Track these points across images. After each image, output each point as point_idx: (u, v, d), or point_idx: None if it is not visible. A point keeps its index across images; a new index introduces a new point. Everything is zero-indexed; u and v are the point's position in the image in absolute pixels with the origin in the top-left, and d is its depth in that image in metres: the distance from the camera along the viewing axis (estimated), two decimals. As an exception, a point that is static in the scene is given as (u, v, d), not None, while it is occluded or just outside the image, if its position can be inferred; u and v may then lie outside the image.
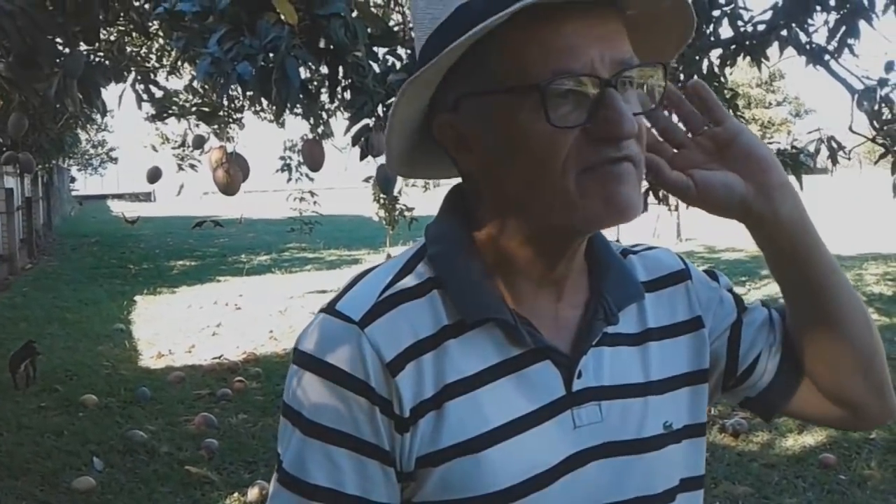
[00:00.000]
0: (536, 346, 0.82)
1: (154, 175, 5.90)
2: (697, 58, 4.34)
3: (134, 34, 4.75)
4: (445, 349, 0.80)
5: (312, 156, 3.58)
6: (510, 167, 0.78)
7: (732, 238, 14.65)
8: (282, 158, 7.86)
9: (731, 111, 5.15)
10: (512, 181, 0.79)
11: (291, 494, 0.80)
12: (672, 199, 6.32)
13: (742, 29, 4.41)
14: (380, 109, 3.22)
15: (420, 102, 0.82)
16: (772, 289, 9.96)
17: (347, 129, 3.17)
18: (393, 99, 3.04)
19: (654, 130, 0.85)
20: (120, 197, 35.76)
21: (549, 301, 0.85)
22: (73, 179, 31.06)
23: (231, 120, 6.22)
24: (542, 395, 0.82)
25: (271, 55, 2.71)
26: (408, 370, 0.78)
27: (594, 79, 0.73)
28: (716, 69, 4.75)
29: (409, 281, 0.83)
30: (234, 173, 3.33)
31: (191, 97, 5.98)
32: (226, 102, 5.61)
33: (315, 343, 0.81)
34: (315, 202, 8.43)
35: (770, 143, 4.89)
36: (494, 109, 0.77)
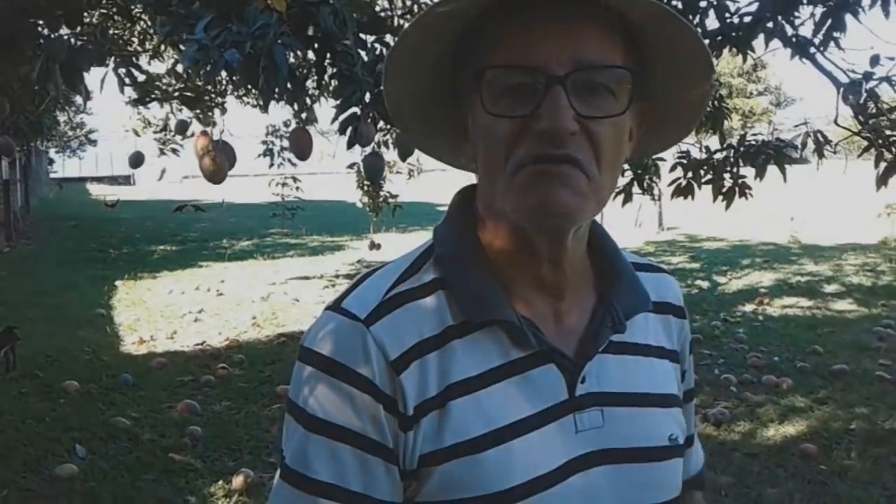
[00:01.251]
0: (541, 349, 0.83)
1: (136, 160, 5.84)
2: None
3: (117, 17, 4.68)
4: (450, 349, 0.81)
5: (300, 145, 3.55)
6: (478, 153, 0.82)
7: (714, 227, 14.76)
8: (264, 143, 7.80)
9: (715, 101, 5.19)
10: (480, 170, 0.83)
11: (293, 489, 0.80)
12: (655, 189, 6.35)
13: (728, 21, 4.42)
14: (367, 98, 3.20)
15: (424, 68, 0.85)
16: (752, 278, 10.05)
17: (335, 118, 3.15)
18: (381, 88, 3.04)
19: None
20: (99, 180, 35.38)
21: (550, 305, 0.86)
22: (51, 162, 30.70)
23: (214, 105, 6.16)
24: (545, 398, 0.82)
25: (259, 42, 2.68)
26: (412, 368, 0.79)
27: (541, 74, 0.75)
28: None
29: (415, 281, 0.84)
30: (220, 161, 3.30)
31: (173, 81, 5.91)
32: (210, 87, 5.56)
33: (320, 340, 0.81)
34: (297, 187, 8.39)
35: (752, 135, 4.91)
36: (470, 97, 0.81)
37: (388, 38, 3.39)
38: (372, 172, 3.70)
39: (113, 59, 4.84)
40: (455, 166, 0.97)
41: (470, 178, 0.95)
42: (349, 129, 3.27)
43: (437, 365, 0.80)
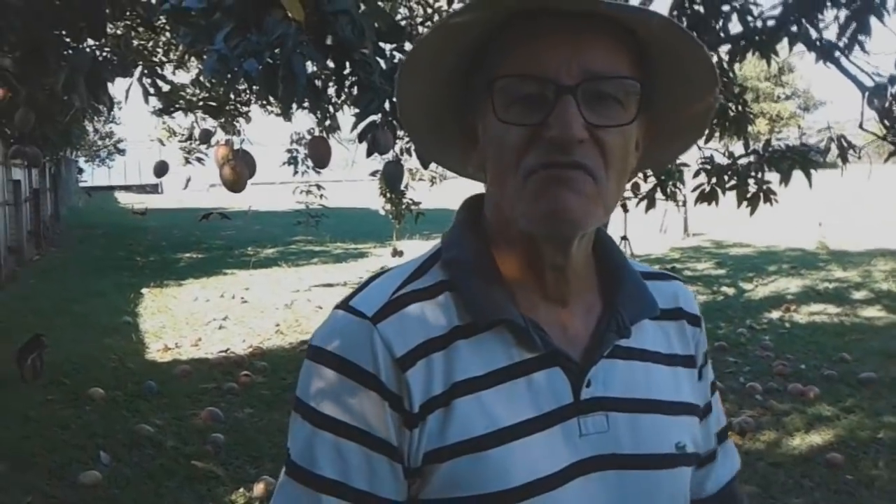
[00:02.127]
0: (546, 352, 0.83)
1: (161, 169, 5.90)
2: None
3: (140, 29, 4.74)
4: (456, 349, 0.82)
5: (318, 153, 3.57)
6: (488, 160, 0.83)
7: (740, 233, 14.62)
8: (288, 151, 7.85)
9: (739, 105, 5.15)
10: (490, 177, 0.84)
11: (298, 485, 0.81)
12: (679, 195, 6.30)
13: (751, 24, 4.38)
14: (386, 106, 3.20)
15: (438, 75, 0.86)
16: (779, 285, 9.93)
17: (354, 126, 3.16)
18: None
19: None
20: (127, 188, 35.77)
21: (555, 311, 0.87)
22: (80, 171, 31.08)
23: (238, 114, 6.22)
24: (549, 401, 0.83)
25: (278, 52, 2.70)
26: (418, 367, 0.80)
27: (552, 84, 0.77)
28: (725, 65, 4.72)
29: (422, 282, 0.86)
30: (240, 170, 3.33)
31: (197, 91, 5.97)
32: (232, 96, 5.61)
33: (328, 337, 0.83)
34: (321, 195, 8.42)
35: (778, 139, 4.86)
36: (481, 105, 0.83)
37: (407, 46, 3.40)
38: (392, 180, 3.70)
39: (138, 69, 4.90)
40: (462, 174, 0.98)
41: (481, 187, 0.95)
42: (368, 137, 3.28)
43: (442, 364, 0.81)
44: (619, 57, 0.80)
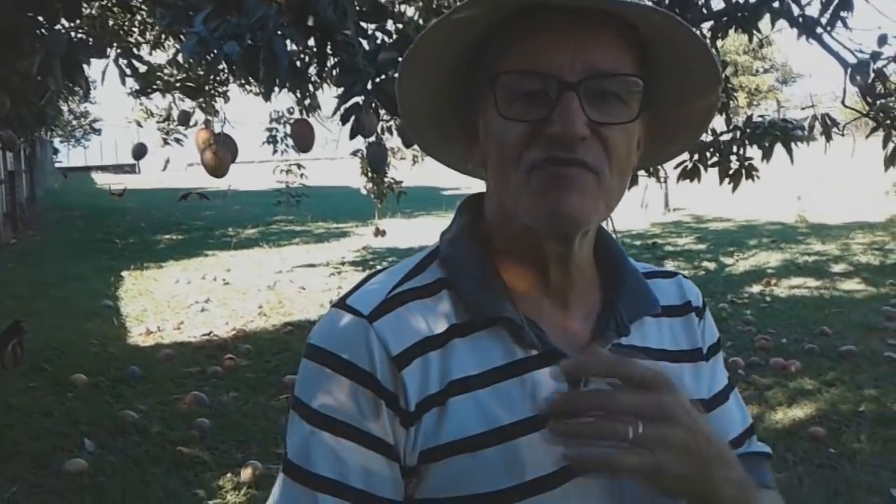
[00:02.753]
0: (544, 351, 0.83)
1: (139, 152, 5.82)
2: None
3: (116, 9, 4.65)
4: (452, 347, 0.82)
5: (302, 136, 3.53)
6: (490, 156, 0.83)
7: (720, 208, 14.70)
8: (268, 130, 7.77)
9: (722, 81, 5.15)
10: (491, 170, 0.84)
11: (296, 484, 0.80)
12: (661, 171, 6.31)
13: (734, 1, 4.36)
14: (369, 86, 3.17)
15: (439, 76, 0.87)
16: (759, 259, 10.02)
17: (336, 109, 3.12)
18: (383, 77, 2.99)
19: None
20: (104, 169, 35.35)
21: (554, 309, 0.87)
22: (55, 151, 30.69)
23: (216, 94, 6.14)
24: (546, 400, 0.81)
25: (258, 34, 2.65)
26: (414, 365, 0.80)
27: (554, 81, 0.77)
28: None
29: (419, 280, 0.86)
30: (222, 155, 3.28)
31: (175, 72, 5.88)
32: (211, 77, 5.53)
33: (324, 335, 0.83)
34: (302, 174, 8.35)
35: (759, 114, 4.86)
36: (483, 100, 0.83)
37: (390, 25, 3.35)
38: (375, 162, 3.67)
39: (113, 50, 4.81)
40: (463, 172, 0.98)
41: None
42: (352, 119, 3.24)
43: (439, 362, 0.80)
44: (622, 54, 0.80)
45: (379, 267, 0.95)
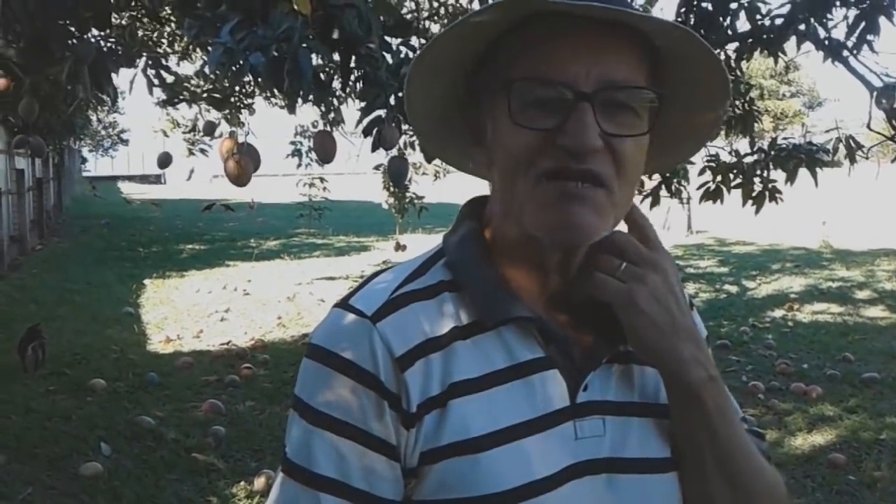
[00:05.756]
0: (546, 355, 0.83)
1: (164, 161, 5.89)
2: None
3: (145, 19, 4.72)
4: (454, 350, 0.81)
5: (324, 148, 3.55)
6: (496, 160, 0.83)
7: (744, 231, 14.59)
8: (292, 143, 7.84)
9: (746, 103, 5.12)
10: (497, 174, 0.83)
11: (297, 484, 0.80)
12: (684, 193, 6.28)
13: (759, 23, 4.36)
14: (392, 101, 3.19)
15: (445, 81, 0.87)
16: (782, 283, 9.91)
17: (359, 121, 3.14)
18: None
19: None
20: (130, 179, 35.78)
21: (556, 313, 0.87)
22: (83, 160, 31.12)
23: (242, 106, 6.20)
24: (546, 404, 0.83)
25: (284, 46, 2.68)
26: (417, 366, 0.79)
27: (569, 90, 0.76)
28: (732, 63, 4.70)
29: (422, 282, 0.85)
30: (244, 164, 3.31)
31: (202, 83, 5.95)
32: (236, 88, 5.59)
33: (327, 336, 0.83)
34: (325, 188, 8.41)
35: (784, 138, 4.84)
36: (493, 103, 0.82)
37: (414, 40, 3.38)
38: (396, 176, 3.69)
39: (142, 60, 4.89)
40: (463, 170, 0.98)
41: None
42: (374, 132, 3.26)
43: (441, 364, 0.80)
44: (636, 66, 0.80)
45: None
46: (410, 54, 3.26)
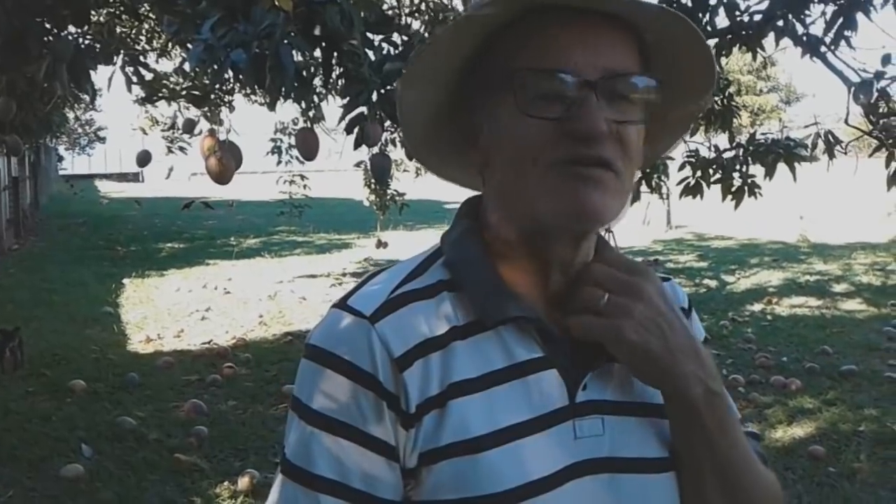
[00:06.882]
0: (544, 355, 0.83)
1: (143, 159, 5.82)
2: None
3: (124, 16, 4.67)
4: (452, 350, 0.81)
5: (306, 145, 3.53)
6: (498, 156, 0.82)
7: (722, 226, 14.70)
8: (272, 140, 7.79)
9: (725, 99, 5.15)
10: (499, 171, 0.83)
11: (296, 485, 0.80)
12: (663, 188, 6.32)
13: (738, 19, 4.38)
14: (374, 97, 3.17)
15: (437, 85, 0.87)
16: (761, 277, 10.00)
17: (342, 118, 3.13)
18: (389, 87, 3.00)
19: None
20: (108, 177, 35.43)
21: (554, 314, 0.86)
22: (60, 158, 30.79)
23: (222, 103, 6.15)
24: (545, 403, 0.82)
25: (265, 42, 2.66)
26: (415, 367, 0.79)
27: (575, 79, 0.77)
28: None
29: (421, 282, 0.85)
30: (226, 162, 3.28)
31: (181, 80, 5.90)
32: (216, 86, 5.54)
33: (325, 336, 0.82)
34: (305, 185, 8.37)
35: (762, 134, 4.87)
36: (492, 99, 0.82)
37: (396, 37, 3.37)
38: (379, 173, 3.67)
39: (120, 57, 4.83)
40: (449, 179, 0.98)
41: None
42: (356, 129, 3.24)
43: (439, 365, 0.80)
44: (634, 57, 0.81)
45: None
46: (392, 51, 3.25)
